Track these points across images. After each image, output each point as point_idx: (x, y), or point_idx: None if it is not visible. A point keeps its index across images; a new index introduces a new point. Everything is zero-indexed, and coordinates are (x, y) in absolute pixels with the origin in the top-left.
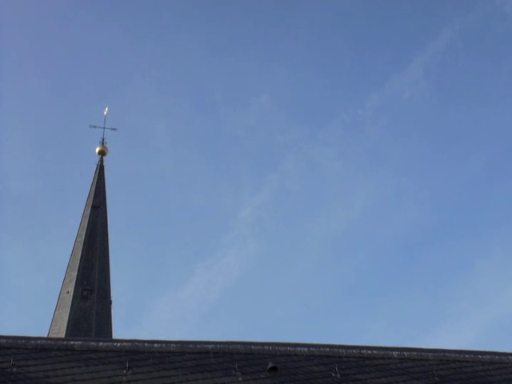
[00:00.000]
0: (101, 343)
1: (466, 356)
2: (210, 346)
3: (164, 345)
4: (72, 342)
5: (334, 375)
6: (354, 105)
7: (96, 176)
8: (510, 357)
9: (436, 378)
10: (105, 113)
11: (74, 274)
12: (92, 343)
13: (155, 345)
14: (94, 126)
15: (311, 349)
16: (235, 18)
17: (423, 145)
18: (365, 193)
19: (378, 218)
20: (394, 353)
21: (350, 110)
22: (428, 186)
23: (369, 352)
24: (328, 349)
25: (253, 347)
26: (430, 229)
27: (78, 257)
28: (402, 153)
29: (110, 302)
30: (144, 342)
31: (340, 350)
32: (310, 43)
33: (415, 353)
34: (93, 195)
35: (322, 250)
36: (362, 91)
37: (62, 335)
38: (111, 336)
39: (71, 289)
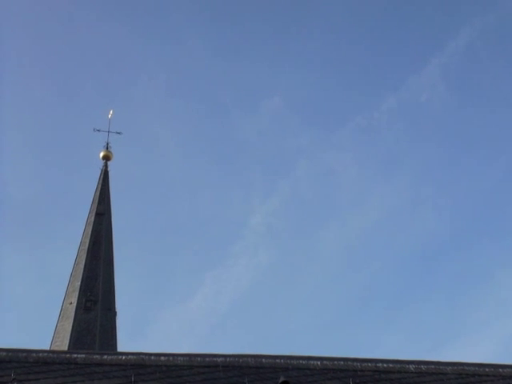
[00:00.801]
0: (105, 356)
1: (486, 370)
2: (219, 360)
3: (171, 358)
4: (75, 356)
5: None
6: (369, 108)
7: (100, 182)
8: None
9: None
10: (109, 116)
11: (78, 283)
12: (96, 356)
13: (162, 358)
14: (98, 130)
15: (325, 362)
16: (245, 17)
17: (441, 149)
18: (380, 200)
19: (394, 226)
20: (410, 366)
21: (366, 113)
22: (446, 192)
23: (385, 365)
24: (342, 362)
25: (264, 360)
26: (448, 237)
27: (82, 266)
28: (420, 158)
29: (114, 314)
30: (150, 354)
31: (355, 364)
32: (324, 43)
33: (433, 366)
34: (97, 202)
35: (336, 259)
36: (377, 93)
37: (65, 348)
38: (116, 349)
39: (74, 299)
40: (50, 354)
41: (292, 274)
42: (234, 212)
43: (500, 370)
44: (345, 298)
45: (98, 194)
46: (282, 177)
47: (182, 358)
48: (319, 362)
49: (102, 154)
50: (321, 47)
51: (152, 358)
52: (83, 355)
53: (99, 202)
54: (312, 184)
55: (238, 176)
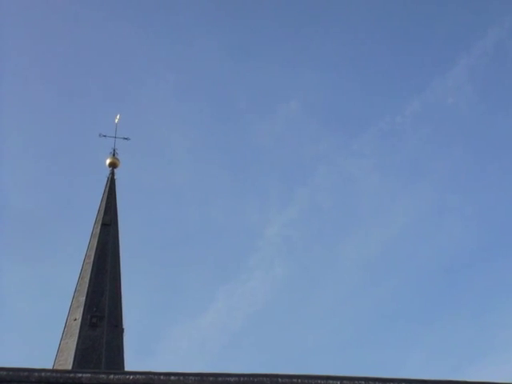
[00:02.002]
0: (112, 376)
1: None
2: (233, 379)
3: (182, 377)
4: (80, 375)
5: None
6: (392, 112)
7: (106, 190)
8: None
9: None
10: (116, 120)
11: (82, 299)
12: (102, 376)
13: (172, 377)
14: (104, 136)
15: (344, 382)
16: (260, 16)
17: (469, 155)
18: (403, 209)
19: (418, 237)
20: None
21: (388, 118)
22: (474, 201)
23: None
24: (363, 382)
25: (280, 380)
26: (476, 249)
27: (87, 280)
28: (445, 165)
29: (121, 331)
30: (159, 374)
31: None
32: (344, 43)
33: None
34: (103, 212)
35: (357, 272)
36: (400, 96)
37: (69, 367)
38: (123, 368)
39: (79, 316)
40: (53, 374)
41: (310, 288)
42: (248, 222)
43: None
44: (365, 313)
45: (103, 203)
46: (300, 185)
47: (193, 378)
48: (338, 382)
49: (108, 161)
50: (340, 47)
51: (161, 377)
52: (88, 375)
53: (105, 212)
54: (331, 193)
55: (252, 184)
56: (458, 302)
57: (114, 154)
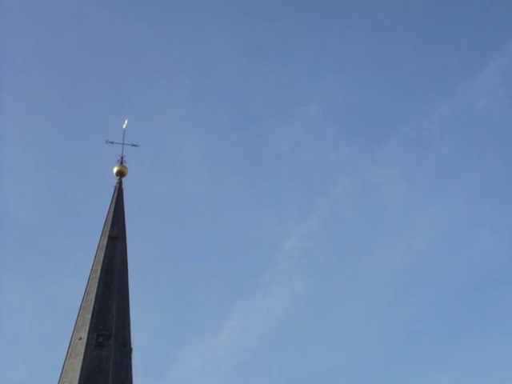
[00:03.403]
0: None
1: None
2: None
3: None
4: None
5: None
6: (418, 116)
7: (113, 201)
8: None
9: None
10: (124, 126)
11: (88, 316)
12: None
13: None
14: (112, 142)
15: None
16: (277, 14)
17: (500, 163)
18: (432, 221)
19: (448, 250)
20: None
21: (414, 123)
22: (507, 212)
23: None
24: None
25: None
26: (508, 263)
27: (93, 296)
28: (476, 173)
29: (129, 350)
30: None
31: None
32: (367, 44)
33: None
34: (110, 224)
35: (381, 288)
36: (428, 100)
37: None
38: None
39: (84, 334)
40: None
41: (331, 305)
42: (265, 235)
43: None
44: (390, 332)
45: (111, 214)
46: (320, 195)
47: None
48: None
49: (115, 170)
50: (363, 47)
51: None
52: None
53: (112, 224)
54: (353, 203)
55: (269, 194)
56: (489, 319)
57: (121, 162)
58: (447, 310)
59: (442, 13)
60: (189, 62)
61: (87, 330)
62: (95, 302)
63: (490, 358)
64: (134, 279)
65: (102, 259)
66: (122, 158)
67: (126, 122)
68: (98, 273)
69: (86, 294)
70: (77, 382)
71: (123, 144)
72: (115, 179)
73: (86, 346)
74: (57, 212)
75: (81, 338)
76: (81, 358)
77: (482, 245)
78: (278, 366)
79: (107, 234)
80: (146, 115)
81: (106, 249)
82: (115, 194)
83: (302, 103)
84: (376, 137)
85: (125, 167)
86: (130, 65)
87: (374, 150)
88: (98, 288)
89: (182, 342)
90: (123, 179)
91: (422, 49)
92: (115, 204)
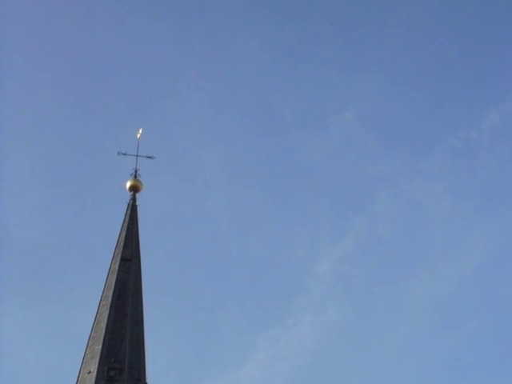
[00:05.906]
0: None
1: None
2: None
3: None
4: None
5: None
6: (466, 125)
7: (127, 219)
8: None
9: None
10: (138, 136)
11: (98, 347)
12: None
13: None
14: (124, 154)
15: None
16: (309, 12)
17: None
18: (480, 241)
19: (497, 274)
20: None
21: (461, 133)
22: None
23: None
24: None
25: None
26: None
27: (103, 325)
28: None
29: None
30: None
31: None
32: (409, 45)
33: None
34: (122, 244)
35: (424, 316)
36: (476, 108)
37: None
38: None
39: (94, 367)
40: None
41: (368, 335)
42: (295, 257)
43: None
44: (433, 365)
45: (123, 234)
46: (357, 213)
47: None
48: None
49: (128, 184)
50: (404, 49)
51: None
52: None
53: (125, 245)
54: (394, 222)
55: (300, 212)
56: None
57: (135, 176)
58: (496, 341)
59: (490, 12)
60: (210, 65)
61: (97, 363)
62: (106, 332)
63: None
64: (149, 306)
65: (113, 284)
66: (135, 171)
67: (140, 131)
68: (110, 299)
69: (95, 322)
70: None
71: (137, 156)
72: (128, 195)
73: (96, 380)
74: (63, 231)
75: (90, 372)
76: None
77: None
78: None
79: (119, 255)
80: (163, 124)
81: (118, 272)
82: (128, 212)
83: (336, 110)
84: (419, 148)
85: (139, 181)
86: (144, 68)
87: (417, 163)
88: (109, 316)
89: (202, 376)
90: (137, 195)
91: (470, 52)
92: (128, 222)
